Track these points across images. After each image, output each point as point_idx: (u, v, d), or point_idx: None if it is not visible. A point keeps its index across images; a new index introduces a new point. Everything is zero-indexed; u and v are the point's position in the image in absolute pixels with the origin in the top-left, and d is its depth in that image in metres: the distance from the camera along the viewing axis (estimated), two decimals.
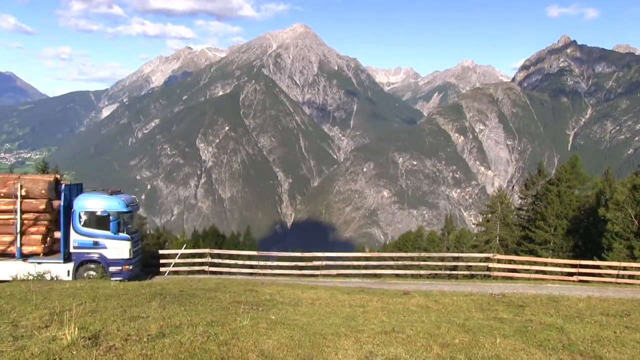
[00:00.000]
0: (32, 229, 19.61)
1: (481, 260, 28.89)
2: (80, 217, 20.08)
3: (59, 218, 20.10)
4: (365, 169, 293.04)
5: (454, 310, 12.81)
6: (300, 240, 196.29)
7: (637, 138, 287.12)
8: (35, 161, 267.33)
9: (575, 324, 11.56)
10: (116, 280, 18.97)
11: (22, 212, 19.27)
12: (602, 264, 29.08)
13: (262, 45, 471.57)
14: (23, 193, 19.10)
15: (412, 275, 27.13)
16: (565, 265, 29.18)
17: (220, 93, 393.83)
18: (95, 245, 20.17)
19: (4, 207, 19.26)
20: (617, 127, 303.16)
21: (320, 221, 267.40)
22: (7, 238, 19.41)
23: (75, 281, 17.22)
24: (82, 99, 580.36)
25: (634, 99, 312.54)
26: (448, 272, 27.95)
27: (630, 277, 28.20)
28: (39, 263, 19.62)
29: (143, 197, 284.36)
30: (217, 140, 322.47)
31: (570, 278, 27.57)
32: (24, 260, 19.58)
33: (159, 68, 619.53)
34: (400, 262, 27.84)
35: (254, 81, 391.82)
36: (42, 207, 19.49)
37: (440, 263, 29.33)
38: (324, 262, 26.29)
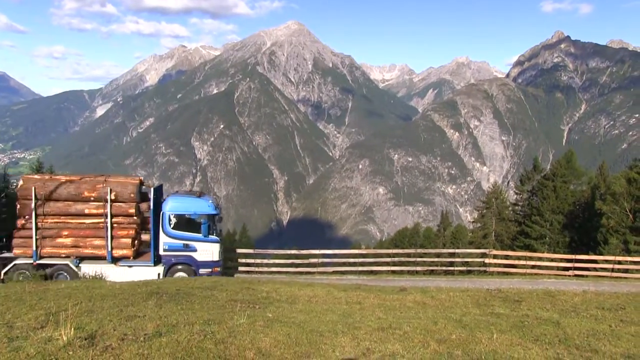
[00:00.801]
0: (122, 233, 19.75)
1: (477, 255, 28.97)
2: (170, 219, 20.18)
3: (145, 221, 20.33)
4: (360, 166, 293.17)
5: (451, 306, 12.83)
6: (296, 237, 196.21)
7: (630, 133, 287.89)
8: (29, 161, 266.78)
9: (571, 318, 11.59)
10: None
11: (112, 215, 19.37)
12: (598, 258, 29.22)
13: (257, 43, 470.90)
14: (112, 197, 19.26)
15: (408, 272, 27.15)
16: (561, 260, 29.23)
17: (215, 91, 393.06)
18: (186, 247, 20.28)
19: (93, 211, 19.41)
20: (611, 122, 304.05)
21: (316, 218, 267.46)
22: (98, 242, 19.55)
23: (71, 281, 17.16)
24: (76, 99, 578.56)
25: (628, 94, 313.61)
26: (444, 268, 27.99)
27: (625, 271, 28.33)
28: (129, 266, 19.78)
29: None
30: (212, 139, 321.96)
31: (566, 273, 27.66)
32: (114, 264, 19.67)
33: (153, 67, 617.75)
34: (396, 259, 27.86)
35: (248, 79, 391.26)
36: (132, 210, 19.66)
37: (436, 259, 29.33)
38: (321, 260, 26.34)
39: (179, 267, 20.33)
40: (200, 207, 20.41)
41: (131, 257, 19.95)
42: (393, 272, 26.74)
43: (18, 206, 19.34)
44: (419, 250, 31.87)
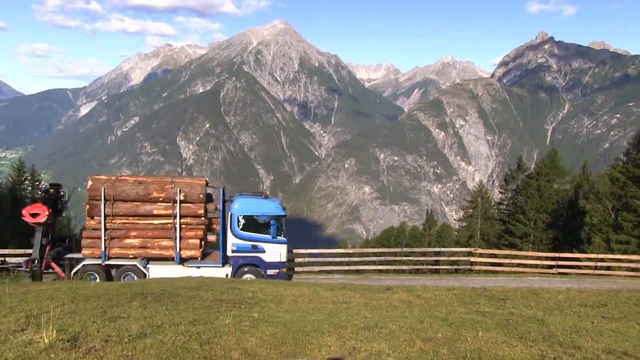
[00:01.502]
0: (190, 233, 19.66)
1: (463, 254, 29.10)
2: (239, 220, 20.11)
3: (209, 222, 20.21)
4: (346, 165, 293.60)
5: (437, 305, 12.84)
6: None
7: (612, 132, 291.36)
8: (10, 160, 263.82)
9: (555, 316, 11.67)
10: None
11: (181, 216, 19.29)
12: (581, 256, 29.51)
13: (243, 42, 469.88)
14: (181, 197, 19.23)
15: (394, 271, 27.18)
16: (545, 258, 29.47)
17: (201, 90, 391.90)
18: (254, 248, 20.23)
19: (162, 212, 19.36)
20: (594, 122, 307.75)
21: (303, 218, 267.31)
22: (166, 242, 19.49)
23: (54, 282, 16.96)
24: (60, 97, 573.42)
25: (610, 94, 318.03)
26: (430, 267, 28.07)
27: (608, 268, 28.66)
28: (197, 267, 19.70)
29: None
30: (198, 138, 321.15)
31: (550, 271, 27.88)
32: (182, 265, 19.62)
33: (139, 65, 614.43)
34: (382, 258, 27.90)
35: (234, 78, 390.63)
36: (201, 211, 19.60)
37: (422, 258, 29.41)
38: (307, 259, 26.30)
39: (247, 268, 20.33)
40: (269, 208, 20.44)
41: (199, 258, 19.91)
42: (379, 271, 26.76)
43: (87, 207, 19.22)
44: (405, 250, 31.99)
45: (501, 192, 47.63)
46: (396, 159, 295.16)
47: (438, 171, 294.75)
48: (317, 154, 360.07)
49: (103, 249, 19.01)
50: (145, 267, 19.39)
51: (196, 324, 8.86)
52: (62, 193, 20.49)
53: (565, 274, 27.65)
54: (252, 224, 20.26)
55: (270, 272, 20.15)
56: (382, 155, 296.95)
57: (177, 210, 19.16)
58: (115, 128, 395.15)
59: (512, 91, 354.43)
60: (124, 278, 19.15)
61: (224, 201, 20.29)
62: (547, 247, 37.59)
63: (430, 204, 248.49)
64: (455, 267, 27.90)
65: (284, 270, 20.82)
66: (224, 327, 8.70)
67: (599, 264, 28.63)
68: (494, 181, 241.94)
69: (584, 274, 27.80)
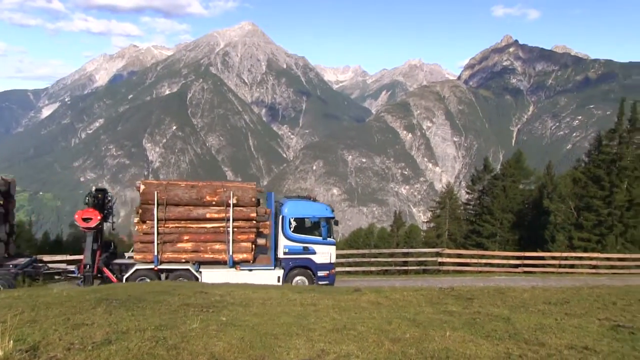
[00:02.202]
0: (242, 237, 19.75)
1: (431, 255, 29.35)
2: (290, 223, 20.17)
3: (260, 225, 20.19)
4: (314, 167, 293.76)
5: (405, 306, 12.90)
6: None
7: (575, 134, 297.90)
8: None
9: (520, 314, 11.84)
10: (324, 284, 19.84)
11: (233, 219, 19.30)
12: (545, 254, 30.12)
13: (210, 44, 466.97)
14: (234, 201, 19.31)
15: (363, 272, 27.31)
16: (511, 258, 29.95)
17: (167, 92, 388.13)
18: (305, 250, 20.31)
19: (215, 216, 19.40)
20: (557, 124, 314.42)
21: None
22: (218, 246, 19.55)
23: (13, 290, 16.52)
24: (20, 98, 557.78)
25: (572, 96, 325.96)
26: (398, 267, 28.26)
27: (571, 266, 29.30)
28: (249, 270, 19.69)
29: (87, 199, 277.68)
30: (165, 140, 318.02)
31: (516, 270, 28.36)
32: (235, 268, 19.57)
33: (103, 66, 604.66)
34: (351, 259, 27.99)
35: (201, 80, 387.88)
36: (253, 215, 19.71)
37: (390, 259, 29.62)
38: None
39: (298, 270, 20.42)
40: (319, 210, 20.73)
41: (251, 261, 19.97)
42: (347, 272, 26.83)
43: (139, 211, 19.15)
44: (373, 251, 32.13)
45: (468, 193, 48.16)
46: (364, 160, 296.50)
47: (406, 172, 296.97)
48: (285, 156, 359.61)
49: (156, 254, 19.01)
50: (197, 271, 19.37)
51: (163, 329, 8.74)
52: (108, 198, 20.42)
53: (531, 272, 28.18)
54: (302, 226, 20.54)
55: (320, 273, 20.41)
56: (350, 157, 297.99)
57: (230, 214, 19.29)
58: (79, 130, 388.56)
59: (478, 93, 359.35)
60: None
61: (274, 204, 20.59)
62: (513, 246, 38.13)
63: (399, 205, 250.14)
64: (423, 267, 28.11)
65: (334, 271, 21.14)
66: (191, 331, 8.60)
67: (563, 262, 29.25)
68: (461, 182, 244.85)
69: (548, 272, 28.36)
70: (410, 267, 28.11)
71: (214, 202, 19.27)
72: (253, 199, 19.62)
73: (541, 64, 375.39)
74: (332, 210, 21.20)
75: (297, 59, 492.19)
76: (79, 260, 20.67)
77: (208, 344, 7.83)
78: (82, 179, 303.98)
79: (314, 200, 21.80)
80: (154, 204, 18.79)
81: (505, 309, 12.45)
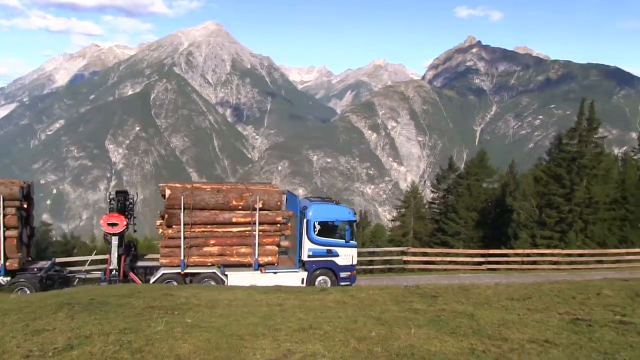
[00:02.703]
0: (268, 240, 20.02)
1: (397, 254, 29.59)
2: (315, 227, 20.39)
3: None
4: (280, 168, 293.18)
5: (370, 304, 12.99)
6: None
7: (536, 133, 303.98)
8: None
9: (484, 310, 12.06)
10: (345, 284, 20.05)
11: (259, 223, 19.62)
12: (509, 252, 30.68)
13: (173, 43, 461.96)
14: (260, 205, 19.48)
15: None
16: (475, 255, 30.41)
17: (130, 92, 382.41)
18: (329, 253, 20.55)
19: (240, 220, 19.58)
20: (519, 123, 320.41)
21: None
22: (244, 249, 19.83)
23: None
24: None
25: (533, 96, 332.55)
26: (364, 267, 28.39)
27: (534, 262, 29.90)
28: (274, 273, 19.88)
29: (48, 202, 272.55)
30: (128, 141, 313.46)
31: (480, 267, 28.79)
32: (260, 271, 19.71)
33: (63, 66, 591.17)
34: None
35: (165, 80, 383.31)
36: (279, 218, 20.00)
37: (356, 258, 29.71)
38: None
39: (321, 271, 20.72)
40: (343, 214, 21.06)
41: (276, 264, 20.20)
42: None
43: (166, 216, 19.23)
44: None
45: (433, 192, 48.68)
46: (329, 160, 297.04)
47: (371, 172, 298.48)
48: (250, 156, 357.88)
49: (182, 258, 19.08)
50: (223, 275, 19.50)
51: (127, 332, 8.64)
52: (130, 201, 20.27)
53: (494, 269, 28.64)
54: (326, 229, 20.82)
55: (343, 274, 20.71)
56: (315, 157, 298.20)
57: (257, 218, 19.50)
58: (39, 131, 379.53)
59: (442, 93, 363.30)
60: None
61: (300, 207, 20.85)
62: (477, 244, 38.71)
63: (364, 205, 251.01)
64: (388, 266, 28.32)
65: (354, 272, 21.41)
66: (156, 334, 8.53)
67: (525, 258, 29.85)
68: (425, 181, 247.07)
69: (511, 268, 28.87)
70: (375, 266, 28.30)
71: (240, 207, 19.52)
72: (279, 203, 20.04)
73: (503, 64, 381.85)
74: (355, 214, 21.63)
75: (262, 59, 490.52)
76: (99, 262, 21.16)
77: (173, 347, 7.79)
78: (42, 182, 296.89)
79: (337, 203, 22.36)
80: (180, 209, 18.91)
81: (469, 306, 12.65)
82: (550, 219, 34.68)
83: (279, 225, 20.13)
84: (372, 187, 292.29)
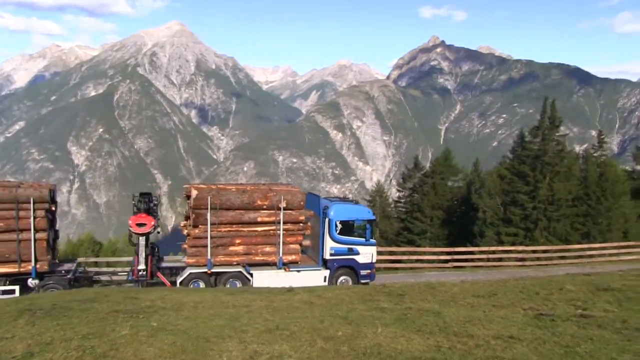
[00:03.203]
0: (291, 239, 20.65)
1: None
2: (336, 225, 20.90)
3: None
4: (245, 168, 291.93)
5: (337, 304, 13.02)
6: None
7: (500, 131, 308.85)
8: None
9: (450, 308, 12.19)
10: (365, 282, 20.69)
11: (283, 222, 20.20)
12: (474, 249, 31.07)
13: (137, 44, 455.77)
14: (284, 205, 20.03)
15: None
16: (441, 253, 30.70)
17: (93, 93, 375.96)
18: (350, 251, 21.08)
19: (265, 219, 20.17)
20: (483, 122, 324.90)
21: None
22: (268, 248, 20.36)
23: None
24: None
25: (497, 95, 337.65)
26: None
27: (499, 259, 30.36)
28: (298, 271, 20.38)
29: None
30: (91, 143, 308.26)
31: (446, 265, 29.10)
32: (285, 270, 20.12)
33: (23, 66, 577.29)
34: None
35: (128, 81, 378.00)
36: (302, 217, 20.62)
37: None
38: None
39: (342, 270, 21.24)
40: (363, 213, 21.91)
41: (298, 262, 20.72)
42: None
43: (193, 216, 19.54)
44: None
45: (399, 191, 48.95)
46: (295, 160, 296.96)
47: (337, 172, 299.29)
48: (215, 157, 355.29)
49: (209, 257, 19.45)
50: (249, 274, 19.92)
51: (90, 337, 8.48)
52: (154, 202, 20.42)
53: (461, 267, 29.01)
54: (347, 228, 21.38)
55: (363, 272, 21.29)
56: (280, 157, 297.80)
57: (281, 217, 20.08)
58: None
59: (407, 93, 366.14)
60: (227, 285, 19.68)
61: (322, 207, 21.43)
62: (443, 242, 39.08)
63: None
64: None
65: (374, 270, 22.11)
66: (120, 338, 8.39)
67: (491, 256, 30.28)
68: (391, 180, 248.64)
69: (477, 266, 29.28)
70: None
71: (264, 206, 20.04)
72: (302, 203, 20.63)
73: (467, 64, 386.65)
74: (374, 213, 22.58)
75: (227, 60, 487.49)
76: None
77: (138, 351, 7.68)
78: None
79: (356, 202, 23.24)
80: (206, 209, 19.33)
81: (435, 304, 12.76)
82: (515, 216, 35.25)
83: (301, 224, 20.73)
84: (338, 186, 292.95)
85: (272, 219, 20.04)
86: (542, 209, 34.85)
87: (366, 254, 21.48)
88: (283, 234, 20.19)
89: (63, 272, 19.79)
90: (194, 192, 19.44)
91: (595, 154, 42.38)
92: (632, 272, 19.32)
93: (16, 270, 18.60)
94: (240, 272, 19.86)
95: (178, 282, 19.53)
